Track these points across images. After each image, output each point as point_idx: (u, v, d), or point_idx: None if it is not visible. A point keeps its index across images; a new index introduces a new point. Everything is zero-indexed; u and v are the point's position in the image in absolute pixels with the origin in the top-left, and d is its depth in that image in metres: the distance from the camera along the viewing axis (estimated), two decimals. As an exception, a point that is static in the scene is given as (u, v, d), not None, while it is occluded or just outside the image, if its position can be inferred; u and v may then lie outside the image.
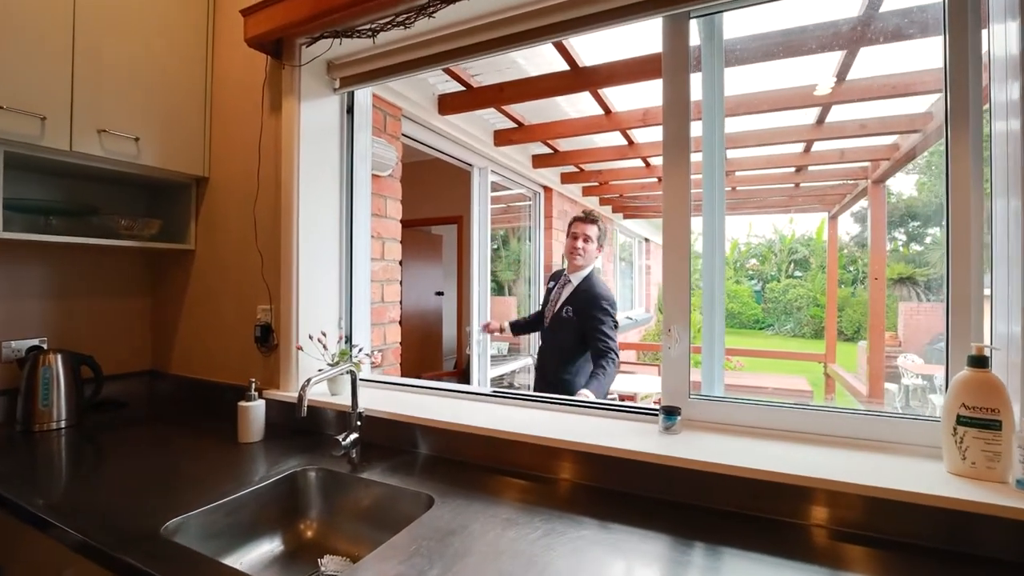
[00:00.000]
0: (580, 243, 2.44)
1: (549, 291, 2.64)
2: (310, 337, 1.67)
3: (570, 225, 2.52)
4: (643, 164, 4.19)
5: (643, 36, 2.15)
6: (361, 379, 1.79)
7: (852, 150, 3.63)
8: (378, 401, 1.63)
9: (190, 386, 1.98)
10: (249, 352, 1.82)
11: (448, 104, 2.70)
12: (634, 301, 9.05)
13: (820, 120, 3.08)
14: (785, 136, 3.26)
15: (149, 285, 2.12)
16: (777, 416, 1.28)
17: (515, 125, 3.24)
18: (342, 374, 1.39)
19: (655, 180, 4.79)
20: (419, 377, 4.70)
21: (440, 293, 6.91)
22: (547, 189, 4.53)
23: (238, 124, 1.87)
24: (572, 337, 2.40)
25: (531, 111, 3.19)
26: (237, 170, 1.87)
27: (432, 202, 5.83)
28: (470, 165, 3.48)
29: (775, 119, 3.20)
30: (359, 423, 1.38)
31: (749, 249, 22.15)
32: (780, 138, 3.29)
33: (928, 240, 21.79)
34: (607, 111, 2.94)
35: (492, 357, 3.70)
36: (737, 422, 1.33)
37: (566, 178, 4.59)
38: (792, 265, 23.77)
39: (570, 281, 2.49)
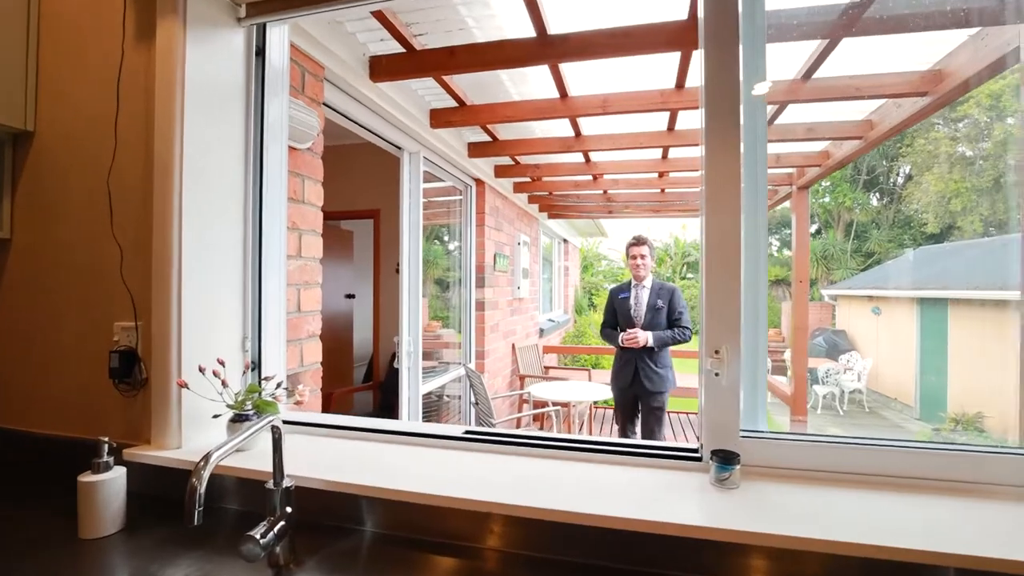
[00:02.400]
0: (639, 260, 3.57)
1: (624, 300, 3.64)
2: (201, 369, 1.15)
3: (629, 248, 3.63)
4: (584, 159, 3.96)
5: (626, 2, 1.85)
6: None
7: (787, 155, 3.68)
8: (305, 456, 1.15)
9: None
10: (100, 391, 1.24)
11: (383, 68, 2.21)
12: (553, 302, 8.94)
13: (770, 121, 3.02)
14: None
15: (-68, 291, 1.42)
16: (852, 457, 1.03)
17: (456, 104, 2.82)
18: (260, 430, 0.90)
19: (590, 178, 4.60)
20: (330, 395, 4.09)
21: (351, 296, 6.23)
22: (479, 182, 4.14)
23: (84, 55, 1.28)
24: (664, 321, 3.53)
25: (473, 89, 2.79)
26: (82, 123, 1.28)
27: (344, 194, 5.18)
28: (400, 148, 2.99)
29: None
30: (288, 508, 0.91)
31: (626, 247, 23.58)
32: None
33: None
34: (563, 94, 2.62)
35: (423, 370, 3.24)
36: (801, 466, 1.06)
37: (500, 171, 4.23)
38: (686, 267, 25.61)
39: (644, 287, 3.60)
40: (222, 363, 1.18)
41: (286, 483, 0.93)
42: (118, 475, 1.05)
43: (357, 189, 5.16)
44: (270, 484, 0.92)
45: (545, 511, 0.91)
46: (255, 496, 1.08)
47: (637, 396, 3.61)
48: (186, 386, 1.14)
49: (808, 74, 2.38)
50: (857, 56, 2.31)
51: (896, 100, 2.69)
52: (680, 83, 2.46)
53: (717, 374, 1.09)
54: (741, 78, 1.11)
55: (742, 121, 1.16)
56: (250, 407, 1.18)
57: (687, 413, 6.23)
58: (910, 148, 15.92)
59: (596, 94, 2.61)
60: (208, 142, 1.24)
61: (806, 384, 4.17)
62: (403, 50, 2.14)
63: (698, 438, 1.18)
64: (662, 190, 5.00)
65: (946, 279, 9.67)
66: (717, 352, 1.10)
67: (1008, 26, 1.89)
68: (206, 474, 0.71)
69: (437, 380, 3.50)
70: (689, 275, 25.20)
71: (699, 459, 1.13)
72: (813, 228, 24.84)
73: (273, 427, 0.91)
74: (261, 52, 1.42)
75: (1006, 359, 7.57)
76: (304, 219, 1.88)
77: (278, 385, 1.24)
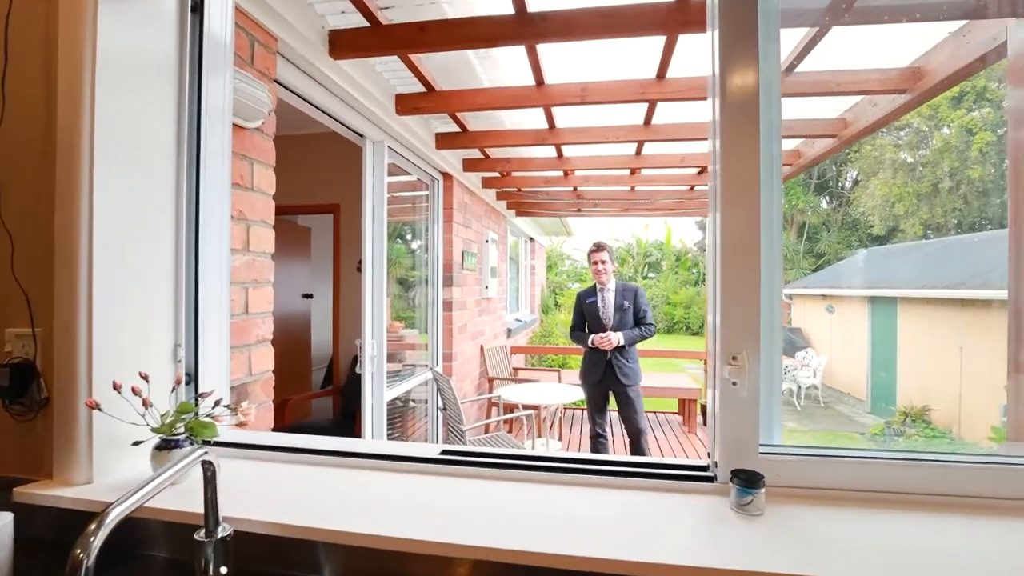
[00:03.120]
0: (600, 266, 3.78)
1: (592, 303, 3.82)
2: (116, 386, 0.93)
3: (589, 255, 3.84)
4: (556, 154, 3.82)
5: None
6: (219, 443, 1.08)
7: (759, 153, 3.65)
8: (250, 488, 0.95)
9: None
10: (-14, 415, 1.00)
11: (345, 43, 1.99)
12: (520, 302, 8.81)
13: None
14: (697, 132, 3.11)
15: None
16: (894, 474, 0.92)
17: (424, 89, 2.62)
18: (189, 467, 0.71)
19: (561, 174, 4.48)
20: (286, 403, 3.81)
21: (308, 295, 5.90)
22: (447, 176, 3.95)
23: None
24: (631, 320, 3.74)
25: (443, 74, 2.60)
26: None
27: (301, 187, 4.87)
28: (363, 136, 2.77)
29: (690, 111, 3.02)
30: (223, 569, 0.72)
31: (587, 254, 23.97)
32: (692, 134, 3.13)
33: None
34: (540, 81, 2.47)
35: (388, 374, 3.02)
36: (834, 485, 0.94)
37: (469, 165, 4.04)
38: (647, 267, 26.08)
39: (609, 290, 3.80)
40: (146, 377, 0.96)
41: (222, 531, 0.74)
42: (3, 522, 0.82)
43: (316, 182, 4.86)
44: (201, 535, 0.73)
45: (531, 555, 0.75)
46: (187, 543, 0.87)
47: (609, 391, 3.79)
48: (97, 407, 0.92)
49: (790, 68, 2.32)
50: (836, 52, 2.26)
51: (872, 98, 2.68)
52: (661, 73, 2.35)
53: (735, 383, 0.96)
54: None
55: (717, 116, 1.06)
56: (182, 430, 0.97)
57: (663, 412, 6.23)
58: (857, 154, 16.61)
59: (575, 82, 2.47)
60: (129, 109, 1.02)
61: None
62: (367, 24, 1.94)
63: (709, 455, 1.06)
64: (632, 188, 4.94)
65: (895, 279, 10.13)
66: (735, 359, 0.97)
67: (994, 21, 1.86)
68: (97, 541, 0.51)
69: (403, 385, 3.29)
70: (651, 274, 25.71)
71: (711, 479, 1.00)
72: (767, 229, 25.75)
73: (204, 462, 0.71)
74: (198, 8, 1.20)
75: (951, 355, 7.96)
76: (253, 208, 1.65)
77: (217, 403, 1.04)
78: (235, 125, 1.54)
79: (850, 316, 11.25)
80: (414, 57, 2.25)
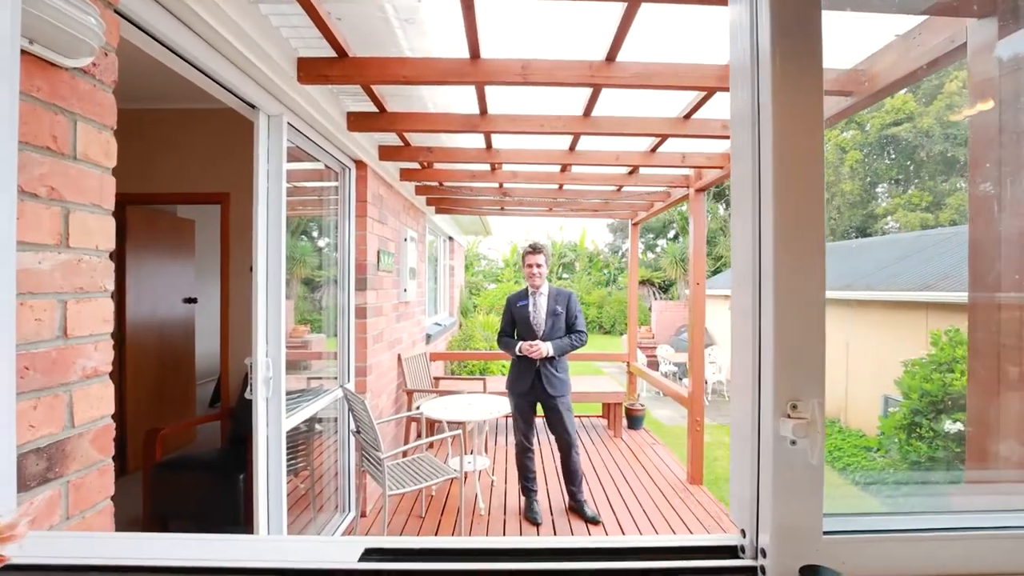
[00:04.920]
0: (535, 269, 3.54)
1: (523, 307, 3.58)
2: None
3: (525, 256, 3.59)
4: (485, 144, 3.49)
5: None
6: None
7: (692, 155, 3.58)
8: None
9: None
10: None
11: (223, -26, 1.51)
12: (439, 304, 8.36)
13: (688, 115, 2.83)
14: (644, 127, 2.94)
15: None
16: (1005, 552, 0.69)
17: (334, 54, 2.16)
18: None
19: (488, 168, 4.15)
20: (157, 434, 3.12)
21: (192, 300, 5.07)
22: (361, 165, 3.46)
23: None
24: (563, 326, 3.55)
25: (357, 38, 2.16)
26: None
27: (182, 172, 4.12)
28: (255, 108, 2.25)
29: (635, 104, 2.84)
30: None
31: (521, 255, 24.36)
32: (634, 128, 2.95)
33: (659, 249, 26.79)
34: (475, 54, 2.12)
35: (288, 398, 2.51)
36: (934, 572, 0.69)
37: (386, 153, 3.58)
38: (561, 268, 26.61)
39: (541, 294, 3.57)
40: None
41: None
42: None
43: (200, 167, 4.13)
44: None
45: None
46: None
47: (537, 402, 3.57)
48: None
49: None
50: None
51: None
52: (612, 54, 2.10)
53: (794, 442, 0.69)
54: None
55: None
56: None
57: (587, 417, 6.11)
58: (751, 164, 18.05)
59: (515, 58, 2.16)
60: None
61: (703, 385, 4.17)
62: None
63: (744, 532, 0.78)
64: (560, 187, 4.74)
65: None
66: (795, 407, 0.69)
67: (949, 23, 1.81)
68: None
69: (307, 409, 2.78)
70: (565, 275, 26.25)
71: (753, 572, 0.72)
72: (671, 234, 27.37)
73: None
74: None
75: (839, 351, 8.73)
76: (76, 186, 1.14)
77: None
78: (41, 60, 1.04)
79: (750, 315, 12.07)
80: (322, 8, 1.80)
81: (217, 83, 2.00)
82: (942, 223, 14.66)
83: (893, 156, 18.32)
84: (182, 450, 4.06)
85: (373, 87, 2.48)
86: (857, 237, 18.16)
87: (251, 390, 2.30)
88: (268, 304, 2.33)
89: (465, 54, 2.14)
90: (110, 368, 1.25)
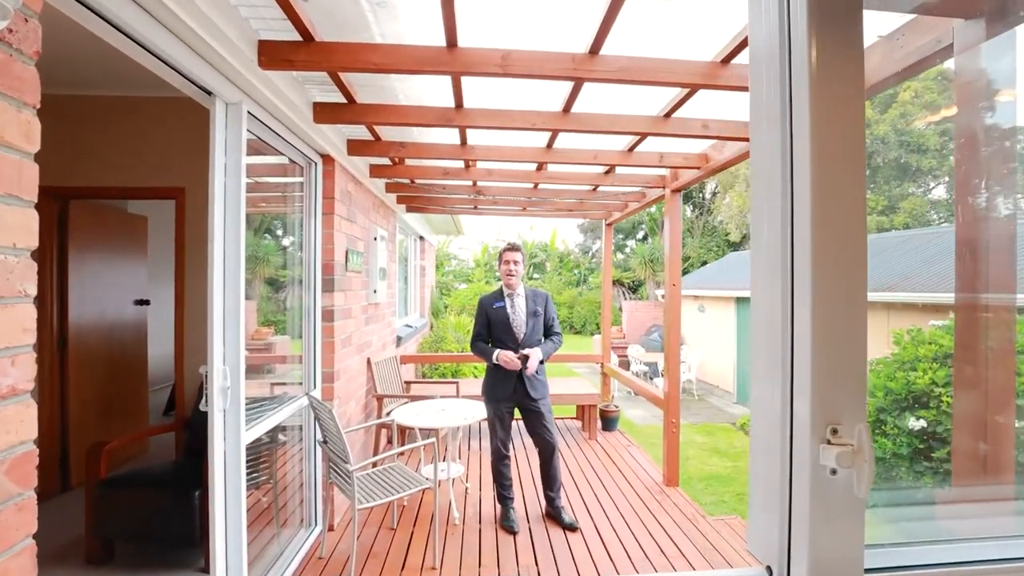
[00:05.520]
0: (512, 267, 3.42)
1: (499, 309, 3.42)
2: None
3: (502, 254, 3.47)
4: (459, 141, 3.36)
5: None
6: None
7: (670, 155, 3.54)
8: None
9: None
10: None
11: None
12: (409, 306, 8.16)
13: (668, 113, 2.78)
14: (624, 125, 2.88)
15: None
16: None
17: (299, 37, 2.01)
18: None
19: (462, 165, 4.02)
20: (101, 448, 2.87)
21: (144, 302, 4.76)
22: (328, 159, 3.27)
23: None
24: (542, 328, 3.47)
25: (326, 22, 2.01)
26: None
27: (133, 165, 3.83)
28: (211, 95, 2.06)
29: (617, 100, 2.78)
30: None
31: (497, 253, 24.25)
32: (615, 126, 2.88)
33: (628, 250, 27.10)
34: (452, 42, 2.00)
35: (248, 407, 2.33)
36: None
37: (355, 148, 3.40)
38: (532, 268, 26.60)
39: (519, 295, 3.45)
40: None
41: None
42: None
43: (153, 160, 3.86)
44: None
45: None
46: None
47: (517, 406, 3.46)
48: None
49: (729, 57, 2.12)
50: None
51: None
52: (596, 47, 2.02)
53: (835, 472, 0.60)
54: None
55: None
56: None
57: (561, 419, 6.03)
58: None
59: (495, 48, 2.04)
60: None
61: (679, 386, 4.16)
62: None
63: (770, 569, 0.69)
64: (535, 185, 4.65)
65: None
66: (836, 432, 0.60)
67: (933, 24, 1.79)
68: None
69: (269, 420, 2.59)
70: (535, 275, 26.26)
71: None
72: (640, 235, 27.73)
73: None
74: None
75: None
76: (-12, 172, 0.97)
77: None
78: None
79: (719, 315, 12.30)
80: (285, -15, 1.65)
81: (168, 66, 1.81)
82: (896, 226, 15.28)
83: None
84: (132, 464, 3.78)
85: (342, 75, 2.33)
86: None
87: (207, 401, 2.11)
88: (226, 308, 2.15)
89: (441, 42, 2.02)
90: (32, 385, 1.08)
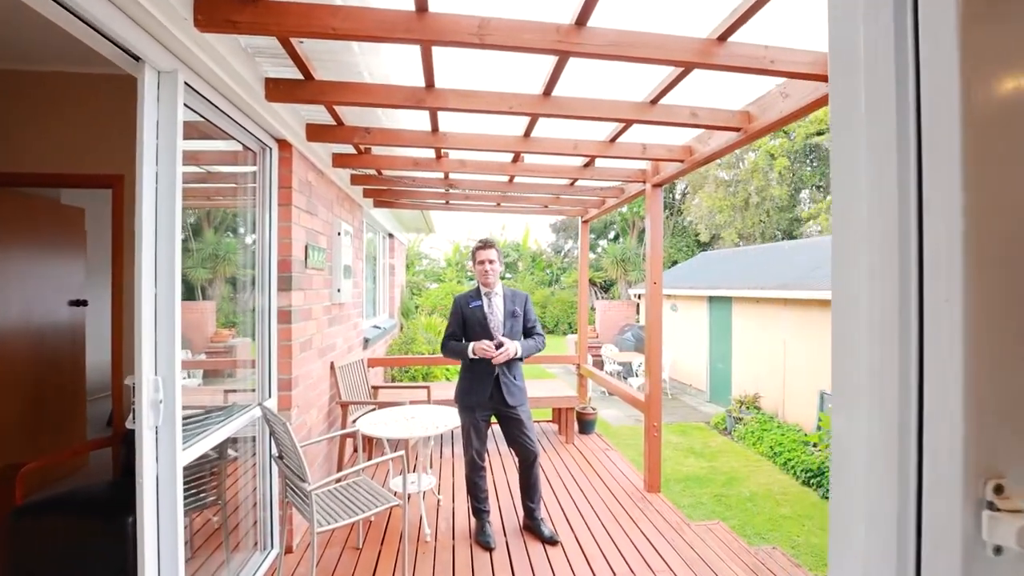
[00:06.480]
0: (488, 266, 3.21)
1: (476, 309, 3.21)
2: None
3: (476, 252, 3.27)
4: (430, 127, 3.10)
5: None
6: None
7: (653, 146, 3.38)
8: None
9: None
10: None
11: None
12: (377, 306, 7.82)
13: (655, 99, 2.60)
14: (608, 111, 2.69)
15: None
16: None
17: (243, -6, 1.73)
18: None
19: (432, 155, 3.77)
20: (16, 468, 2.50)
21: (81, 302, 4.32)
22: (284, 145, 2.97)
23: None
24: (521, 329, 3.28)
25: (275, -22, 1.74)
26: None
27: (61, 149, 3.44)
28: (138, 60, 1.76)
29: (601, 86, 2.59)
30: None
31: (469, 252, 24.08)
32: (600, 112, 2.69)
33: (599, 250, 27.19)
34: (422, 6, 1.76)
35: (186, 423, 2.03)
36: None
37: (315, 133, 3.11)
38: (504, 267, 26.41)
39: (496, 294, 3.25)
40: None
41: None
42: None
43: (87, 144, 3.49)
44: None
45: None
46: None
47: (494, 413, 3.23)
48: None
49: (727, 34, 1.94)
50: (766, 26, 1.95)
51: (783, 91, 2.48)
52: (584, 18, 1.81)
53: (1000, 550, 0.40)
54: None
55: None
56: None
57: (536, 422, 5.83)
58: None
59: (471, 14, 1.81)
60: None
61: (661, 387, 4.00)
62: None
63: None
64: (511, 179, 4.43)
65: (729, 280, 11.28)
66: (1000, 491, 0.40)
67: None
68: None
69: (214, 435, 2.29)
70: (508, 275, 26.05)
71: None
72: (612, 235, 27.86)
73: None
74: None
75: (777, 349, 9.00)
76: None
77: None
78: None
79: (692, 314, 12.35)
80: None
81: (84, 22, 1.52)
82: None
83: (815, 164, 19.53)
84: (60, 485, 3.38)
85: (297, 46, 2.06)
86: (783, 240, 19.17)
87: (134, 418, 1.81)
88: (158, 310, 1.86)
89: (411, 5, 1.77)
90: None
